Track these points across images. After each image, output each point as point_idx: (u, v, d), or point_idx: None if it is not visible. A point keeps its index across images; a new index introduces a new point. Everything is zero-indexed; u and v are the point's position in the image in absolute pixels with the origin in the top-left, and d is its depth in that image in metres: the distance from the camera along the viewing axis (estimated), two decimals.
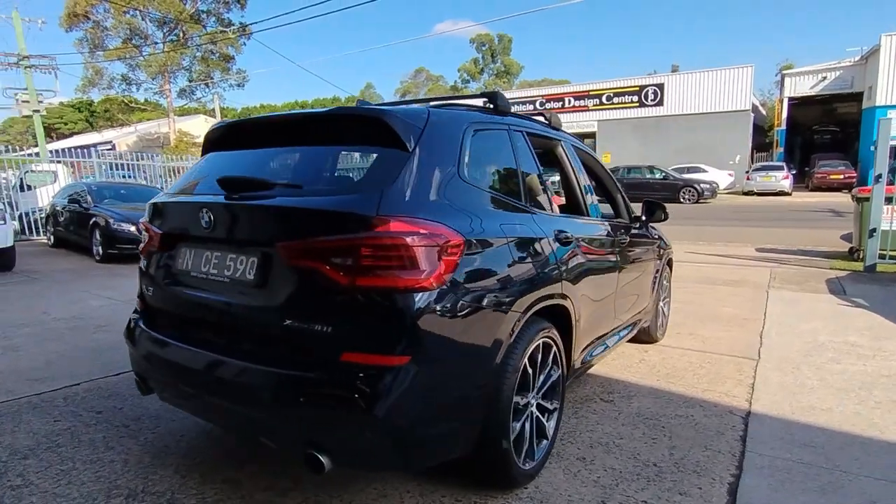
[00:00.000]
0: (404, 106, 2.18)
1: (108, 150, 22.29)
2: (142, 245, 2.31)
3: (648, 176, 21.40)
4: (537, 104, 30.43)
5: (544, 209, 2.50)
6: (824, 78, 26.34)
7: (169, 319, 2.17)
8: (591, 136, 30.20)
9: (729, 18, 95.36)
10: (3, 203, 9.25)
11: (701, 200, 20.03)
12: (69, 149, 14.30)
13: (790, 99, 27.46)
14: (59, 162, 13.26)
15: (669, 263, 4.35)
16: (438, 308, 1.66)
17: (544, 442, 2.25)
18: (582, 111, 29.76)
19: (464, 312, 1.74)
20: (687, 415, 2.83)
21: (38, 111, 18.25)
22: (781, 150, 28.06)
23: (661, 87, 27.64)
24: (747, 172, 23.11)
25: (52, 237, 10.47)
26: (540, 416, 2.22)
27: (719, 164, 24.81)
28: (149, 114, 37.82)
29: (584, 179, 3.02)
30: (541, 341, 2.14)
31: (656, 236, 3.99)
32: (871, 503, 2.01)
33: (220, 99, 35.72)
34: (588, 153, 3.35)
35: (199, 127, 34.65)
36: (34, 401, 3.02)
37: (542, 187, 2.50)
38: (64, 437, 2.58)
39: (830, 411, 2.83)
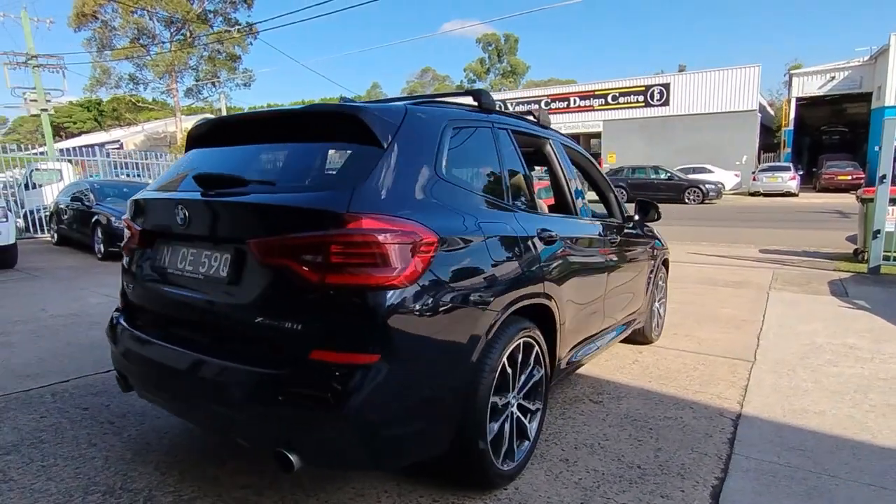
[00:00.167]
0: (384, 103, 2.16)
1: (115, 148, 22.44)
2: (124, 242, 2.31)
3: (653, 176, 21.27)
4: (542, 104, 30.33)
5: (529, 208, 2.47)
6: (833, 78, 26.08)
7: (147, 316, 2.17)
8: (597, 136, 30.10)
9: (738, 18, 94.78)
10: (5, 200, 9.31)
11: (706, 201, 19.88)
12: (76, 147, 14.41)
13: (798, 99, 27.22)
14: (67, 160, 13.36)
15: (665, 264, 4.30)
16: (410, 306, 1.64)
17: (526, 443, 2.22)
18: (587, 111, 29.62)
19: (437, 311, 1.72)
20: (676, 417, 2.79)
21: (45, 110, 18.38)
22: (789, 150, 27.82)
23: (667, 86, 27.46)
24: (753, 173, 22.91)
25: (55, 235, 10.56)
26: (521, 416, 2.19)
27: (725, 164, 24.61)
28: (156, 113, 38.10)
29: (574, 178, 2.98)
30: (521, 341, 2.11)
31: (651, 236, 3.94)
32: None
33: (226, 98, 35.89)
34: (579, 152, 3.31)
35: None
36: (22, 397, 3.03)
37: (526, 185, 2.47)
38: (48, 434, 2.58)
39: (823, 414, 2.79)
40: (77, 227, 9.30)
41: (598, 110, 29.32)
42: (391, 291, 1.60)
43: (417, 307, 1.66)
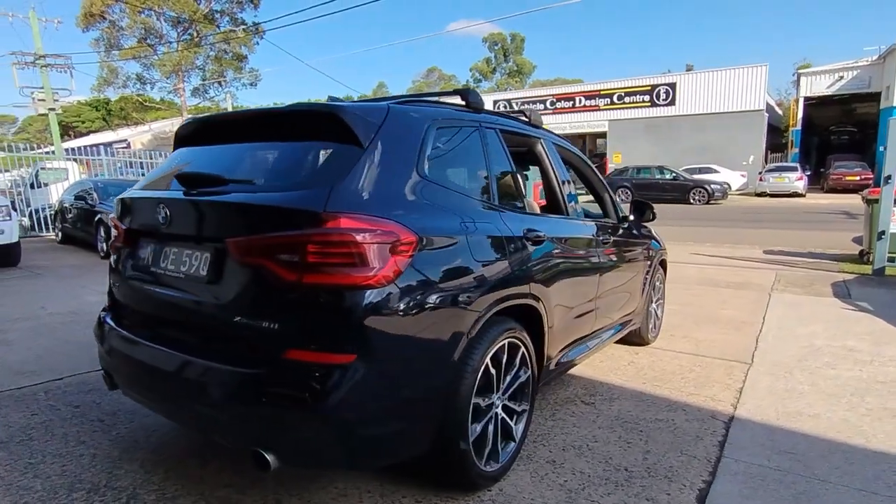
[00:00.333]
0: (368, 102, 2.15)
1: (123, 148, 22.64)
2: (111, 241, 2.32)
3: (658, 176, 21.13)
4: (548, 104, 30.24)
5: (518, 208, 2.45)
6: (841, 77, 25.80)
7: (132, 315, 2.17)
8: (603, 135, 29.97)
9: (746, 17, 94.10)
10: (10, 199, 9.40)
11: (711, 201, 19.72)
12: (84, 147, 14.53)
13: (806, 99, 26.95)
14: (73, 160, 13.47)
15: (663, 265, 4.26)
16: (388, 306, 1.63)
17: (511, 444, 2.21)
18: (593, 111, 29.48)
19: (416, 311, 1.71)
20: (668, 419, 2.76)
21: (53, 109, 18.55)
22: (797, 150, 27.56)
23: (672, 86, 27.28)
24: (760, 173, 22.71)
25: (59, 233, 10.64)
26: (506, 418, 2.17)
27: (732, 164, 24.41)
28: (163, 112, 38.32)
29: (566, 178, 2.95)
30: (506, 342, 2.09)
31: (647, 236, 3.90)
32: None
33: (232, 98, 36.06)
34: (573, 152, 3.29)
35: None
36: (16, 394, 3.05)
37: (515, 185, 2.45)
38: (38, 431, 2.59)
39: (817, 417, 2.75)
40: (81, 226, 9.37)
41: (603, 110, 29.17)
42: (368, 291, 1.59)
43: (395, 307, 1.65)
